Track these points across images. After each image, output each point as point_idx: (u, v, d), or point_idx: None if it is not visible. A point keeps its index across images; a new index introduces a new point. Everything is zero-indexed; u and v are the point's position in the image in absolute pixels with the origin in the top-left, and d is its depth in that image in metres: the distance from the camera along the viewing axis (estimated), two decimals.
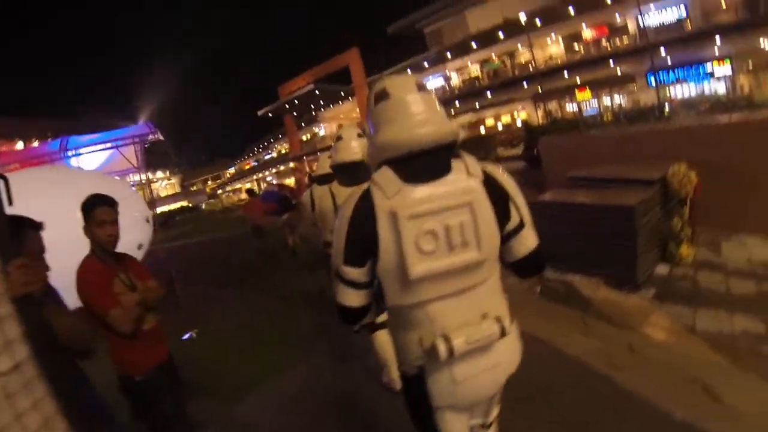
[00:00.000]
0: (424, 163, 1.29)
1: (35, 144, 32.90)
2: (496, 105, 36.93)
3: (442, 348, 1.25)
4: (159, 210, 41.90)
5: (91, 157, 16.54)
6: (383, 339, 3.03)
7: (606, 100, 30.02)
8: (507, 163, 12.58)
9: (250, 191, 12.56)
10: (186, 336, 5.60)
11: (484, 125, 39.43)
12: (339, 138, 3.08)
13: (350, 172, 2.95)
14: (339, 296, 1.39)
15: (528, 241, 1.41)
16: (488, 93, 35.16)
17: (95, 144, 14.90)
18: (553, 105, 32.96)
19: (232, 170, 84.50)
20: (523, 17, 27.51)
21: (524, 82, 32.69)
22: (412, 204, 1.23)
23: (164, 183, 54.56)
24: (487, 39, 35.91)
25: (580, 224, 5.73)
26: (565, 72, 30.65)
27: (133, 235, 4.86)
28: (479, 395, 1.42)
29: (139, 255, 5.04)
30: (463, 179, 1.30)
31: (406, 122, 1.31)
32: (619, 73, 29.09)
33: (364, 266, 1.31)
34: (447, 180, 1.28)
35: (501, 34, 34.22)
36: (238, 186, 69.58)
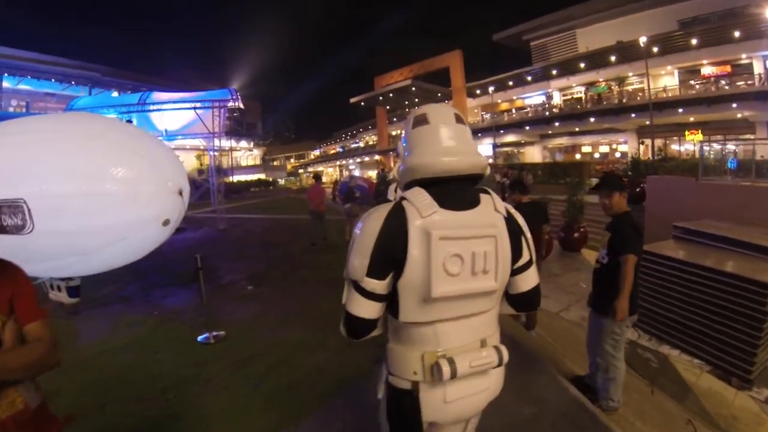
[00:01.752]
0: (455, 191, 1.45)
1: (114, 94, 34.34)
2: (596, 132, 36.12)
3: (446, 369, 1.37)
4: (236, 178, 43.08)
5: (174, 116, 16.74)
6: None
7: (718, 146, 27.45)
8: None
9: (316, 176, 13.60)
10: (203, 337, 5.00)
11: (580, 152, 38.49)
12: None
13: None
14: (354, 307, 1.43)
15: (531, 278, 1.56)
16: (590, 118, 34.11)
17: (174, 103, 14.53)
18: (657, 142, 30.47)
19: (317, 152, 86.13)
20: (643, 40, 25.71)
21: (632, 114, 31.02)
22: (445, 226, 1.36)
23: (246, 153, 55.71)
24: (596, 60, 35.49)
25: (690, 289, 4.79)
26: (680, 109, 28.51)
27: (155, 209, 4.25)
28: (463, 415, 1.57)
29: (164, 234, 4.41)
30: (490, 213, 1.47)
31: (439, 148, 1.48)
32: (738, 116, 27.23)
33: (385, 279, 1.39)
34: (477, 211, 1.44)
35: (612, 57, 32.35)
36: (320, 168, 70.65)
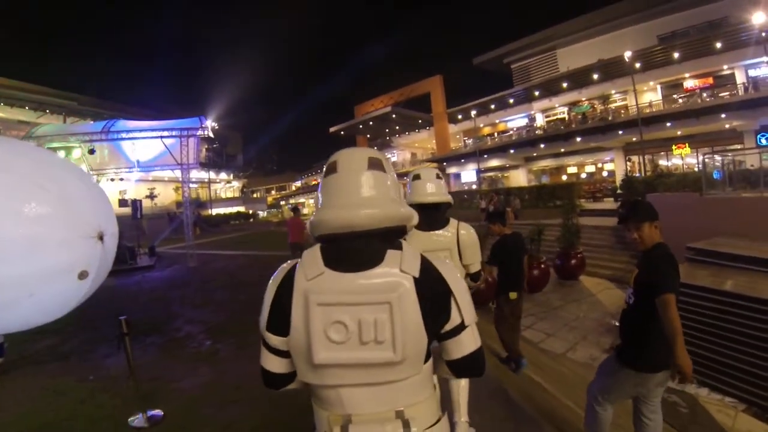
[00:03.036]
0: (355, 248, 1.30)
1: (75, 121, 33.70)
2: (582, 152, 35.93)
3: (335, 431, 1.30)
4: (216, 211, 42.34)
5: (146, 146, 16.16)
6: None
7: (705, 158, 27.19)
8: (594, 218, 10.86)
9: (294, 208, 13.33)
10: (136, 419, 3.95)
11: (566, 173, 38.52)
12: (417, 177, 3.07)
13: (426, 214, 2.76)
14: (262, 360, 1.41)
15: (466, 344, 1.39)
16: (576, 137, 33.65)
17: (140, 131, 13.87)
18: (644, 158, 30.43)
19: (298, 184, 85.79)
20: (628, 55, 26.32)
21: (619, 130, 30.72)
22: (326, 291, 1.25)
23: (226, 186, 55.12)
24: (578, 79, 35.48)
25: (716, 318, 4.51)
26: (668, 123, 28.15)
27: (66, 258, 3.45)
28: None
29: (82, 289, 3.59)
30: (393, 274, 1.27)
31: (343, 201, 1.33)
32: (726, 127, 26.86)
33: (286, 336, 1.31)
34: (373, 273, 1.27)
35: (595, 76, 32.88)
36: (302, 200, 70.07)
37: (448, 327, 1.35)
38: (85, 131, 15.37)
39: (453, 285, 1.34)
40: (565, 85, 36.17)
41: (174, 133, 14.73)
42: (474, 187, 41.88)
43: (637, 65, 28.92)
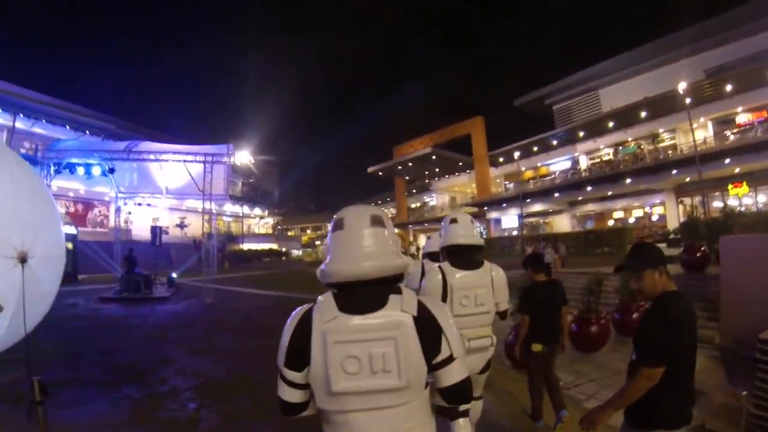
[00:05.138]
0: (362, 294, 1.57)
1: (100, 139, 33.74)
2: (630, 196, 34.01)
3: None
4: (247, 246, 41.82)
5: (175, 173, 15.09)
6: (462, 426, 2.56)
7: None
8: None
9: None
10: None
11: (612, 218, 36.58)
12: (454, 221, 3.39)
13: (462, 255, 3.25)
14: (280, 391, 1.63)
15: (454, 374, 1.60)
16: (626, 179, 31.63)
17: (163, 153, 13.13)
18: (695, 200, 28.56)
19: None
20: (681, 87, 24.16)
21: (672, 170, 28.60)
22: (341, 331, 1.50)
23: (260, 221, 54.82)
24: (623, 119, 33.81)
25: None
26: (727, 159, 26.11)
27: None
28: None
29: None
30: (395, 314, 1.54)
31: (350, 254, 1.60)
32: None
33: (301, 371, 1.55)
34: (379, 314, 1.53)
35: (642, 114, 31.09)
36: None
37: (439, 358, 1.57)
38: (106, 149, 14.80)
39: (443, 323, 1.60)
40: (610, 124, 34.69)
41: (198, 158, 13.96)
42: (515, 233, 40.26)
43: (687, 101, 27.27)
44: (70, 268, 18.56)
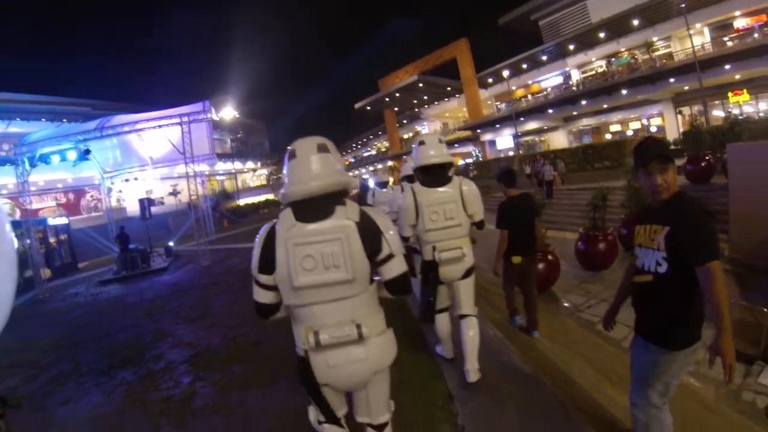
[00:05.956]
0: (314, 207, 1.92)
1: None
2: (626, 108, 33.37)
3: (311, 339, 1.87)
4: (243, 201, 41.43)
5: (156, 140, 14.58)
6: (442, 320, 3.77)
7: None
8: None
9: None
10: None
11: (609, 132, 35.93)
12: (422, 142, 3.60)
13: (431, 174, 3.49)
14: (256, 295, 2.02)
15: (395, 268, 1.97)
16: (622, 90, 30.88)
17: (136, 123, 12.51)
18: (695, 109, 27.74)
19: None
20: None
21: (670, 78, 27.82)
22: (298, 236, 1.88)
23: (252, 174, 54.17)
24: (615, 28, 32.89)
25: None
26: (727, 65, 25.22)
27: None
28: (349, 381, 2.00)
29: None
30: (340, 221, 1.90)
31: (302, 177, 1.94)
32: None
33: (271, 274, 1.93)
34: (328, 221, 1.90)
35: (634, 22, 29.50)
36: None
37: (381, 256, 1.94)
38: (78, 131, 14.13)
39: (382, 226, 1.96)
40: (601, 35, 33.71)
41: (174, 120, 13.29)
42: (511, 153, 39.71)
43: (682, 5, 25.96)
44: (69, 258, 18.50)
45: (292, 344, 2.08)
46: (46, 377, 5.60)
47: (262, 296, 1.99)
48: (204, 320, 7.11)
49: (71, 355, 6.33)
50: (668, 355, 2.26)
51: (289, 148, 2.04)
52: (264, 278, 1.94)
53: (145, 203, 15.59)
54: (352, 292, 1.91)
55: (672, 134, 28.26)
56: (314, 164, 1.94)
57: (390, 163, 52.16)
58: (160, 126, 13.37)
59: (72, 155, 13.26)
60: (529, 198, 5.08)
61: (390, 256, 1.94)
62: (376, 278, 2.01)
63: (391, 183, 9.12)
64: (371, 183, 8.95)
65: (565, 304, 6.53)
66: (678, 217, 2.14)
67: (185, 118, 13.19)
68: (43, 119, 37.36)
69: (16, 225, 13.66)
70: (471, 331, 3.53)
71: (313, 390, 1.97)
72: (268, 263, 1.90)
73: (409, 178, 4.90)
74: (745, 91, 25.89)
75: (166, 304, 8.75)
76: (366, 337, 1.89)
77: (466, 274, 3.51)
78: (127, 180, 19.75)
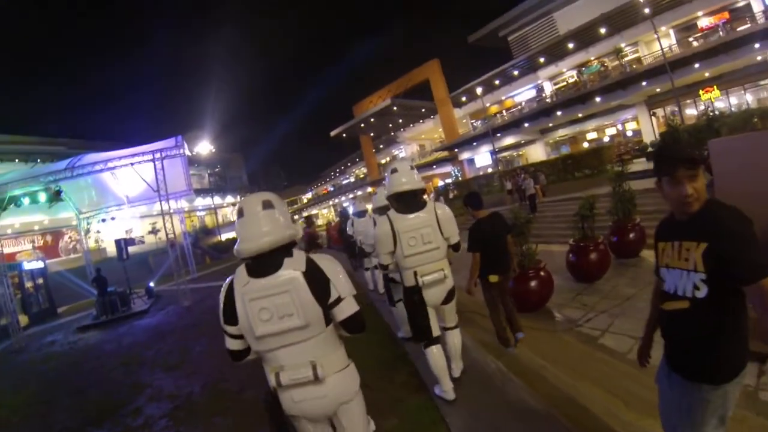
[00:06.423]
0: (263, 262, 2.06)
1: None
2: (601, 115, 33.66)
3: (272, 379, 2.09)
4: (225, 237, 40.88)
5: (131, 179, 14.12)
6: (436, 355, 3.64)
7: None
8: (635, 182, 9.58)
9: (307, 218, 11.23)
10: None
11: (586, 140, 36.07)
12: (394, 170, 3.67)
13: (405, 201, 3.58)
14: (226, 342, 2.18)
15: (345, 309, 2.12)
16: (596, 97, 30.96)
17: (109, 162, 12.20)
18: (667, 111, 28.23)
19: (309, 195, 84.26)
20: None
21: (642, 82, 27.97)
22: (252, 291, 2.03)
23: (232, 209, 53.69)
24: (583, 38, 33.15)
25: None
26: (696, 64, 25.55)
27: None
28: (315, 413, 2.17)
29: None
30: (287, 273, 2.05)
31: (250, 235, 2.06)
32: (758, 59, 24.18)
33: (235, 325, 2.09)
34: (276, 275, 2.04)
35: (601, 30, 30.49)
36: (314, 212, 68.39)
37: (331, 300, 2.09)
38: (48, 171, 13.62)
39: (330, 273, 2.12)
40: (569, 46, 33.93)
41: (146, 157, 12.90)
42: (490, 170, 39.73)
43: (646, 11, 26.43)
44: (46, 303, 17.78)
45: (273, 413, 2.24)
46: None
47: (232, 344, 2.17)
48: (183, 368, 6.71)
49: (42, 414, 5.94)
50: (718, 390, 1.89)
51: (236, 206, 2.23)
52: (230, 329, 2.10)
53: (122, 243, 15.03)
54: (309, 334, 2.07)
55: (648, 136, 28.54)
56: (261, 221, 2.07)
57: (369, 189, 52.06)
58: (132, 164, 12.98)
59: (43, 197, 12.84)
60: (497, 217, 5.09)
61: (338, 300, 2.10)
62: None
63: (370, 211, 9.02)
64: (351, 211, 8.84)
65: (562, 320, 6.30)
66: (716, 230, 1.79)
67: (158, 155, 12.83)
68: (17, 159, 36.57)
69: None
70: (455, 339, 3.84)
71: (285, 422, 2.27)
72: (231, 316, 2.07)
73: (380, 210, 5.07)
74: (715, 87, 26.14)
75: (144, 351, 8.33)
76: (322, 377, 2.07)
77: (448, 297, 3.65)
78: (104, 220, 19.22)
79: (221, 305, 2.10)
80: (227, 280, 2.12)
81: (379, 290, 7.86)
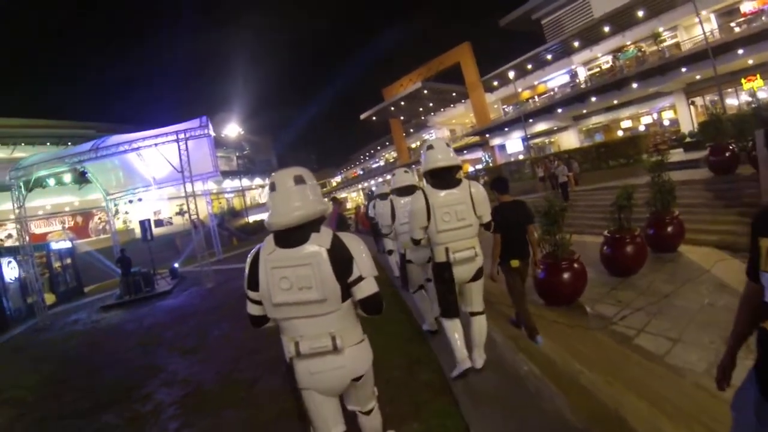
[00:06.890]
0: (291, 235, 2.11)
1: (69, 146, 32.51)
2: (637, 102, 32.19)
3: (291, 348, 2.12)
4: (252, 219, 41.12)
5: (159, 161, 14.05)
6: (452, 325, 3.68)
7: None
8: (674, 173, 8.65)
9: (334, 200, 10.82)
10: None
11: (621, 128, 34.76)
12: (430, 147, 3.68)
13: (440, 177, 3.59)
14: (248, 307, 2.25)
15: (365, 289, 2.14)
16: (633, 84, 29.65)
17: (134, 142, 12.15)
18: (707, 100, 27.02)
19: (338, 179, 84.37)
20: None
21: (682, 68, 26.59)
22: (276, 260, 2.10)
23: (260, 191, 54.07)
24: (619, 22, 31.80)
25: None
26: (740, 50, 23.85)
27: None
28: (330, 386, 2.21)
29: None
30: (312, 247, 2.09)
31: (282, 209, 2.11)
32: None
33: (257, 291, 2.15)
34: (302, 248, 2.09)
35: (639, 13, 29.42)
36: (344, 195, 68.46)
37: (352, 278, 2.12)
38: (73, 152, 13.73)
39: (354, 251, 2.14)
40: (605, 30, 32.52)
41: (170, 137, 12.82)
42: (521, 156, 38.90)
43: None
44: (74, 282, 18.17)
45: (287, 384, 2.25)
46: (31, 418, 5.29)
47: (252, 309, 2.23)
48: (200, 352, 6.57)
49: (57, 394, 5.92)
50: None
51: (269, 180, 2.23)
52: (252, 294, 2.18)
53: (146, 224, 15.09)
54: (326, 309, 2.11)
55: (686, 126, 27.41)
56: (292, 196, 2.12)
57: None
58: (156, 144, 12.93)
59: (68, 178, 12.90)
60: (521, 206, 5.11)
61: (359, 279, 2.12)
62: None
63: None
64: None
65: (595, 316, 5.96)
66: None
67: (182, 135, 12.73)
68: (48, 143, 37.43)
69: (14, 251, 13.35)
70: (481, 327, 3.75)
71: (298, 393, 2.23)
72: (253, 281, 2.15)
73: (399, 191, 5.07)
74: (758, 75, 24.74)
75: (163, 332, 8.29)
76: (341, 347, 2.12)
77: (477, 275, 3.64)
78: (131, 201, 19.46)
79: (247, 270, 2.18)
80: (255, 247, 2.21)
81: (395, 272, 7.59)
